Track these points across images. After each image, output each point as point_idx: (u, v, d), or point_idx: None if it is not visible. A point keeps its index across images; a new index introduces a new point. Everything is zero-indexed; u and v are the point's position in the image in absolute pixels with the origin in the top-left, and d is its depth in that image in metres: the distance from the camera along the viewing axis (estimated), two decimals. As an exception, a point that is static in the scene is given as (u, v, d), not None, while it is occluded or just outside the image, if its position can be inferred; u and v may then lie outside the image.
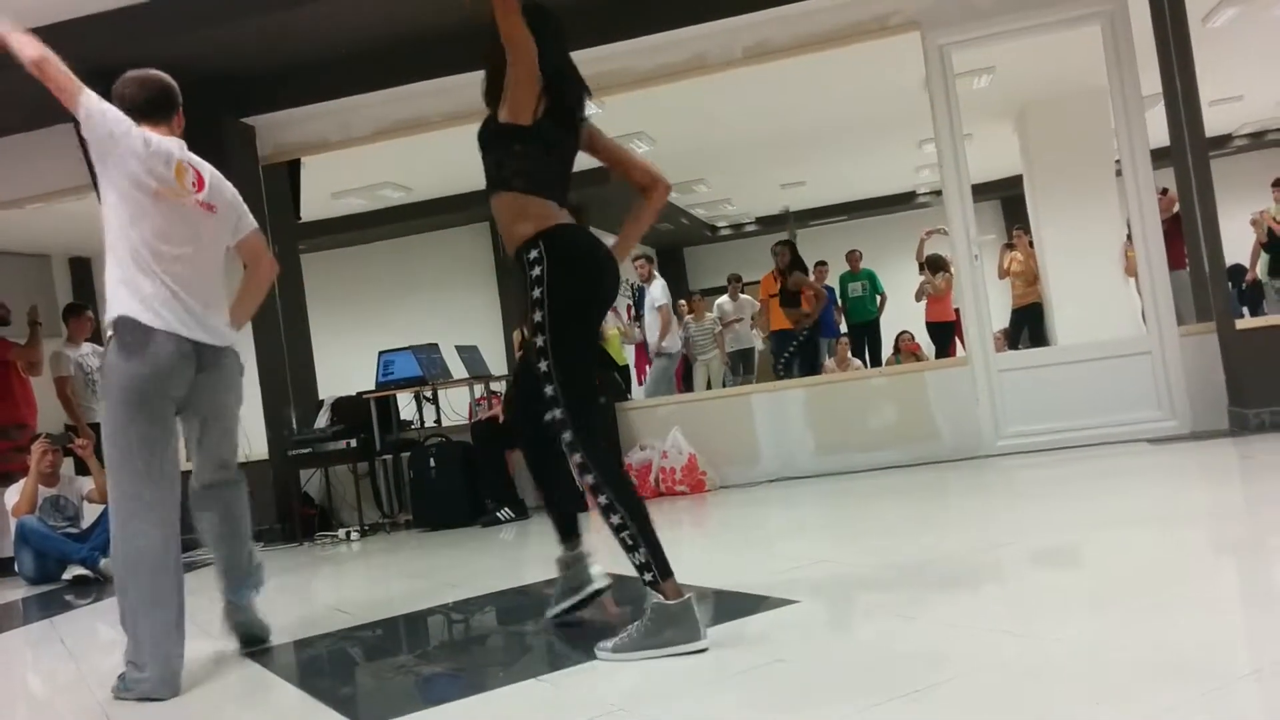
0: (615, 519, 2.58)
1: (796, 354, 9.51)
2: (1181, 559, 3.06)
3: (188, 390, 3.07)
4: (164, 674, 2.86)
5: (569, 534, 3.05)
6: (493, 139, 2.82)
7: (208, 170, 3.27)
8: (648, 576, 2.56)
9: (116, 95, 3.26)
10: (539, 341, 2.67)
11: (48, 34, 6.28)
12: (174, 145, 3.19)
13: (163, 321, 2.99)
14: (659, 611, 2.53)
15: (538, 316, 2.67)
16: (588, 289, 2.74)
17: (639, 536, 2.57)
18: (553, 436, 2.68)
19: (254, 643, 3.36)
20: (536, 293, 2.67)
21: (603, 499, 2.59)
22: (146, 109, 3.22)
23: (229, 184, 3.36)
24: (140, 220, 3.05)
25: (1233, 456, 5.02)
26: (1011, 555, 3.42)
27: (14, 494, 6.15)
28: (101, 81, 6.83)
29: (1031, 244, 9.69)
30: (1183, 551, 3.17)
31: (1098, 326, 7.83)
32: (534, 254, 2.69)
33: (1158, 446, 5.50)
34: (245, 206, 3.41)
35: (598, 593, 3.02)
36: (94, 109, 3.06)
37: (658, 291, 9.50)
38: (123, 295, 3.01)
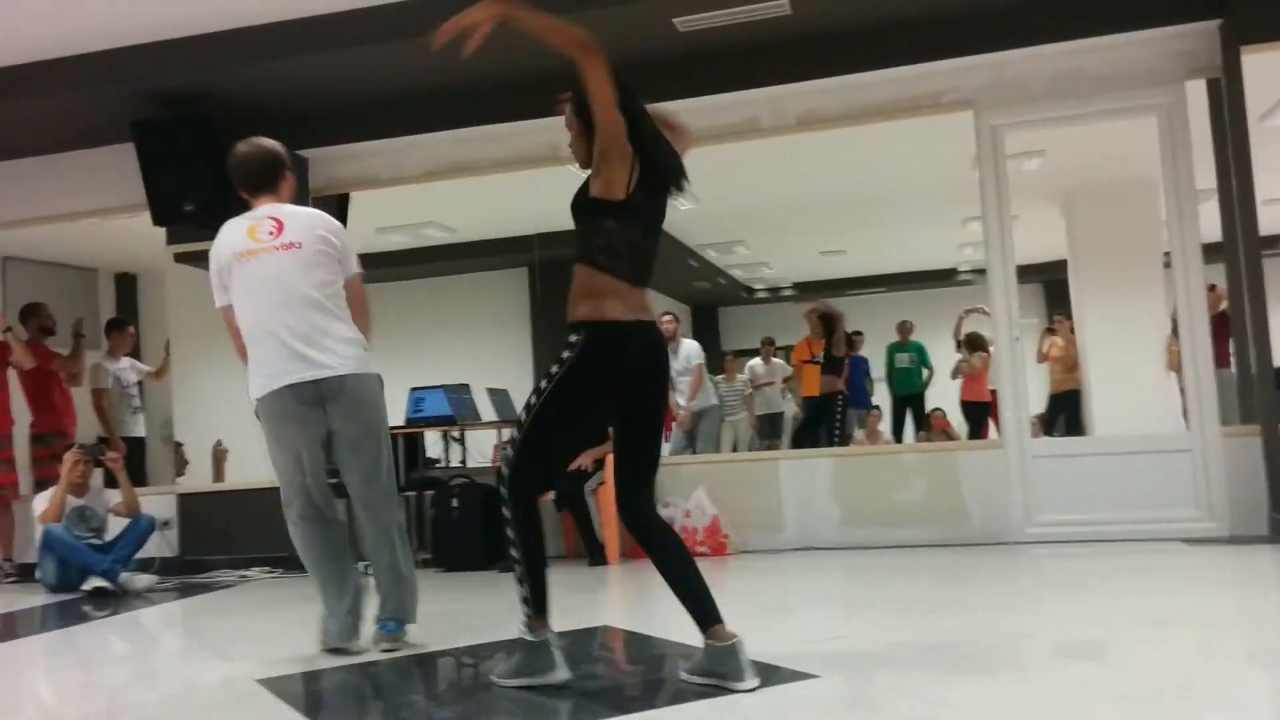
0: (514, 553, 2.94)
1: (842, 417, 9.34)
2: (1213, 664, 2.97)
3: (320, 426, 3.51)
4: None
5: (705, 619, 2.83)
6: (585, 210, 2.86)
7: (287, 213, 3.59)
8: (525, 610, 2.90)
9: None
10: (531, 399, 2.85)
11: (111, 59, 6.52)
12: (242, 222, 3.59)
13: (256, 390, 3.49)
14: (524, 645, 2.90)
15: (542, 383, 2.84)
16: (601, 392, 2.87)
17: (526, 576, 2.93)
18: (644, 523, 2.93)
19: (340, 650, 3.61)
20: (555, 368, 2.83)
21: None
22: (245, 186, 3.64)
23: (326, 224, 3.64)
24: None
25: (1272, 563, 4.89)
26: (1036, 647, 3.34)
27: (42, 501, 6.21)
28: (166, 106, 7.02)
29: (1072, 330, 9.61)
30: (1215, 657, 3.07)
31: (1136, 419, 7.73)
32: (574, 338, 2.81)
33: (1194, 547, 5.37)
34: (351, 250, 3.68)
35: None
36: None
37: (694, 351, 9.46)
38: None
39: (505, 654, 3.00)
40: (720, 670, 2.73)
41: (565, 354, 2.81)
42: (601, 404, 2.92)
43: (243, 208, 3.67)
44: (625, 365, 2.84)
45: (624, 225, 2.81)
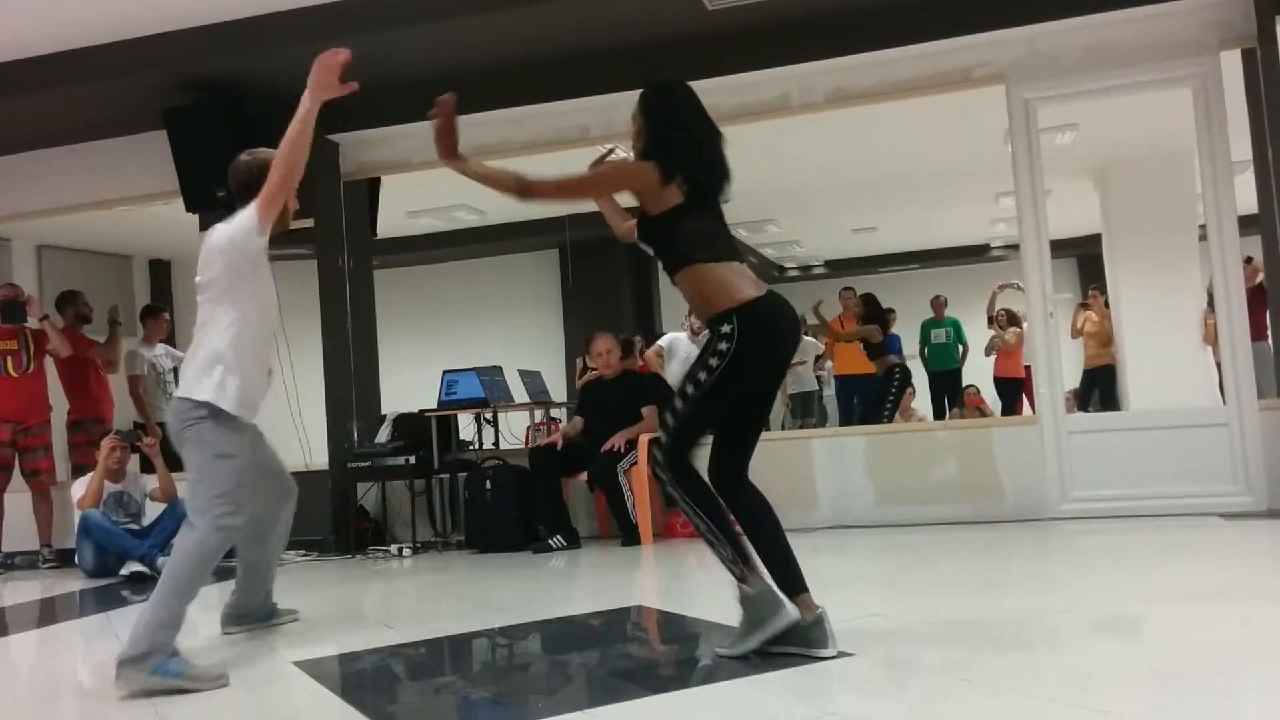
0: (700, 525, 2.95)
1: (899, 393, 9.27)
2: (1253, 639, 2.94)
3: None
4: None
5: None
6: (656, 231, 3.00)
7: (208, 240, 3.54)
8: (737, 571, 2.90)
9: None
10: (689, 388, 2.91)
11: (143, 47, 6.55)
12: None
13: (239, 406, 3.42)
14: (749, 600, 2.88)
15: (702, 375, 2.88)
16: (763, 374, 2.97)
17: (722, 540, 2.94)
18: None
19: None
20: (714, 361, 2.86)
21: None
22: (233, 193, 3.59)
23: (215, 231, 3.56)
24: None
25: (1311, 538, 4.82)
26: (1072, 623, 3.32)
27: (80, 487, 6.30)
28: (197, 93, 7.05)
29: (1107, 304, 9.49)
30: (1254, 632, 3.04)
31: (1172, 394, 7.63)
32: (726, 329, 2.85)
33: (1231, 522, 5.31)
34: (213, 243, 3.56)
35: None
36: None
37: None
38: None
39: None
40: (805, 639, 2.83)
41: (723, 345, 2.85)
42: (778, 369, 3.04)
43: None
44: (778, 338, 2.93)
45: (696, 219, 2.93)
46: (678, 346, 8.95)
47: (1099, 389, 9.43)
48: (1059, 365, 6.12)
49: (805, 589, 2.91)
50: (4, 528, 6.93)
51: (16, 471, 7.01)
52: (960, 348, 10.61)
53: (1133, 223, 9.15)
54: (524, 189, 2.93)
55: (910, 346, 10.81)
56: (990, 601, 3.74)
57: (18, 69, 6.52)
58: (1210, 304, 6.23)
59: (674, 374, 8.76)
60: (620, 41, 6.19)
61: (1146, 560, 4.55)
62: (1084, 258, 12.87)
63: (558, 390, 8.69)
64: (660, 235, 3.00)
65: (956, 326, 10.64)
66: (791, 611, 2.86)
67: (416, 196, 9.21)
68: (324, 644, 3.56)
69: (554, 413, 7.49)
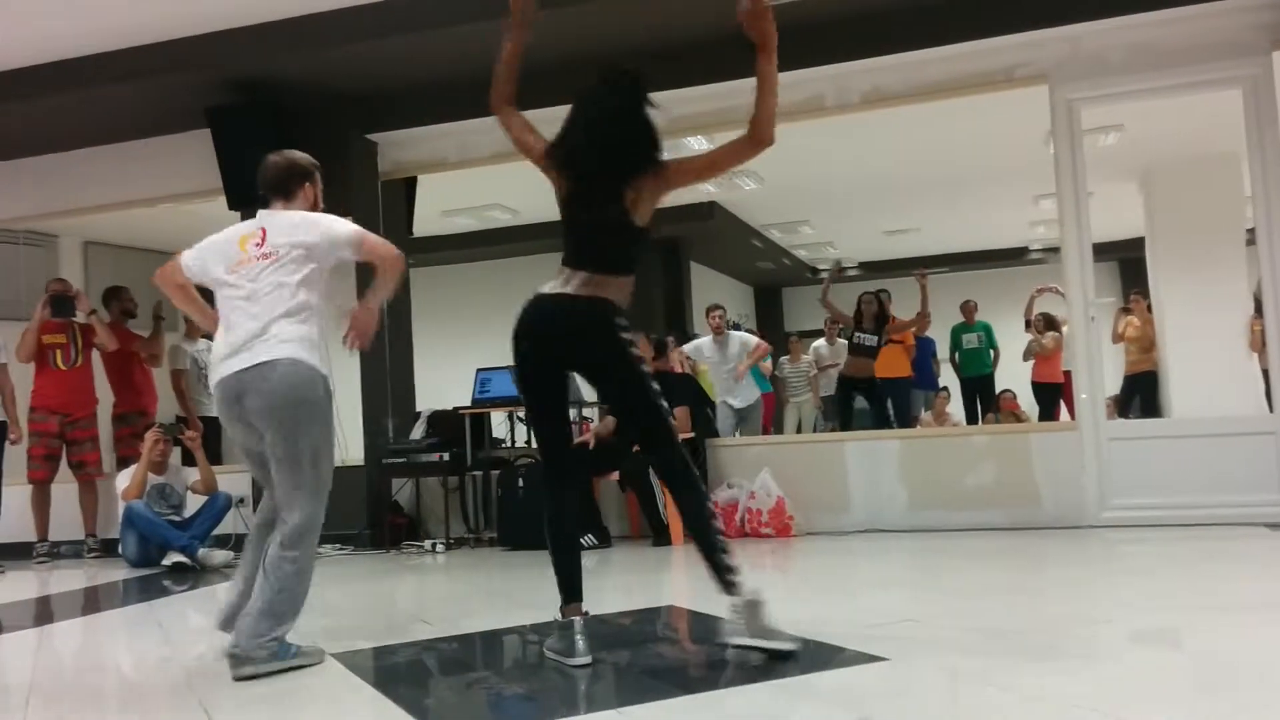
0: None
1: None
2: (1299, 654, 2.88)
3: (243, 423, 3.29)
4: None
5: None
6: (638, 237, 3.21)
7: (274, 222, 3.41)
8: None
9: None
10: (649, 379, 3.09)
11: (187, 47, 6.62)
12: (234, 229, 3.52)
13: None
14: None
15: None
16: (523, 356, 3.19)
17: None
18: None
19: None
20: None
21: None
22: (264, 191, 3.52)
23: (303, 221, 3.41)
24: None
25: (1358, 549, 4.72)
26: (1111, 633, 3.27)
27: (125, 479, 6.42)
28: (240, 93, 7.13)
29: (1149, 309, 9.34)
30: (1301, 646, 2.98)
31: (1216, 401, 7.49)
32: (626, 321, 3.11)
33: (1276, 532, 5.21)
34: (332, 236, 3.40)
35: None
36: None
37: (749, 338, 9.37)
38: None
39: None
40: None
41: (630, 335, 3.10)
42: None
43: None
44: (522, 328, 3.18)
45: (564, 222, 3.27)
46: (701, 350, 8.95)
47: (1140, 395, 9.27)
48: (1100, 370, 6.03)
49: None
50: (50, 517, 7.06)
51: (63, 462, 7.14)
52: (992, 352, 10.50)
53: (1177, 226, 8.98)
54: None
55: (943, 350, 10.72)
56: (1028, 609, 3.70)
57: (66, 69, 6.64)
58: (1257, 310, 6.12)
59: (713, 376, 8.76)
60: (654, 42, 6.17)
61: (1189, 570, 4.47)
62: (1126, 261, 12.66)
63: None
64: (640, 242, 3.29)
65: (988, 331, 10.51)
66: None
67: (452, 195, 9.26)
68: (360, 636, 3.59)
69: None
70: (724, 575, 2.93)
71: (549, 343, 3.10)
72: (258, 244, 3.35)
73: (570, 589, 3.13)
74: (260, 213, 3.48)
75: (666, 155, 3.15)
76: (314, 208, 3.52)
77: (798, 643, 2.84)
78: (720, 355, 8.94)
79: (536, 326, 3.10)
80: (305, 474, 3.17)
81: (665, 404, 3.09)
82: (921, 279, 8.95)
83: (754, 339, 9.46)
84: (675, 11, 5.93)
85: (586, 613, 3.07)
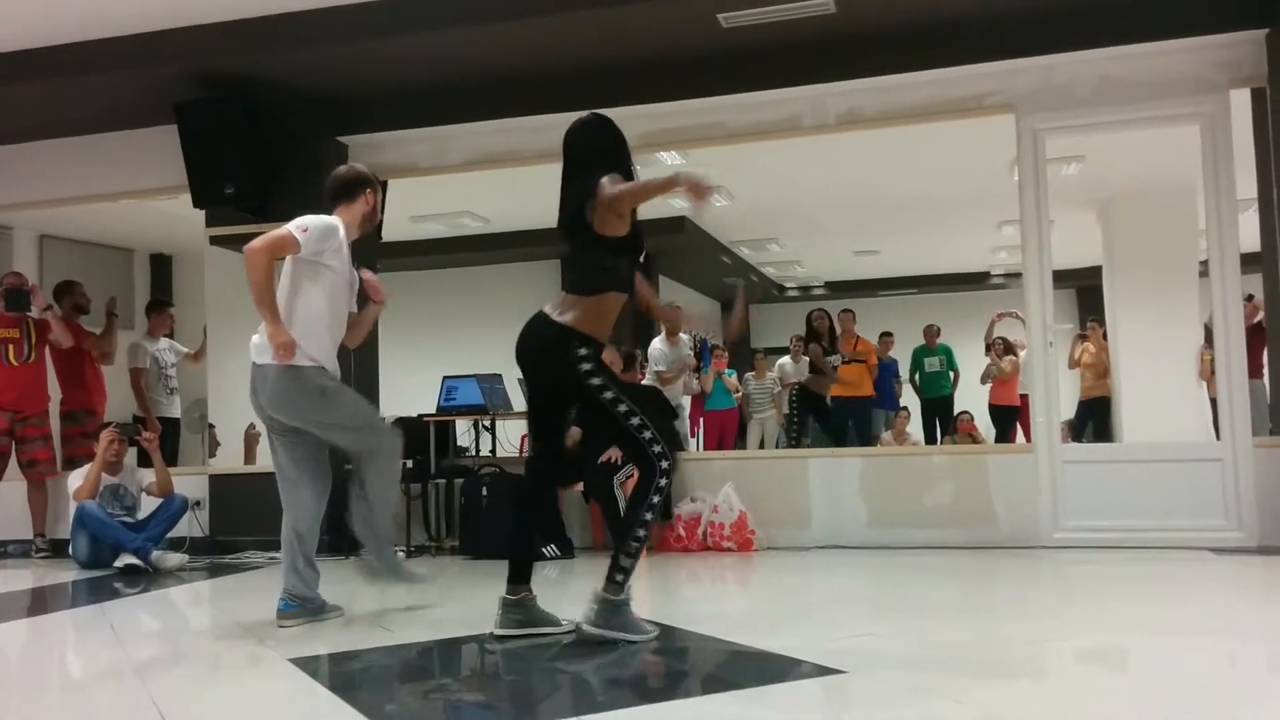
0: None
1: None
2: (1237, 675, 2.96)
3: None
4: None
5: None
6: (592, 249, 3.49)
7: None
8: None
9: None
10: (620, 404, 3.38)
11: (155, 40, 6.56)
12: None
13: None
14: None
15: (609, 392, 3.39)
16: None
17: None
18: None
19: None
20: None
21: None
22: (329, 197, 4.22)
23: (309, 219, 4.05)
24: None
25: (1301, 576, 4.84)
26: (1059, 651, 3.33)
27: (77, 478, 6.30)
28: (208, 88, 7.07)
29: (1105, 336, 9.53)
30: (1239, 667, 3.06)
31: (1166, 427, 7.66)
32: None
33: (1221, 557, 5.33)
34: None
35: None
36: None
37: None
38: None
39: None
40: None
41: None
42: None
43: (303, 201, 4.28)
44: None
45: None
46: (656, 352, 8.98)
47: (1093, 420, 9.46)
48: (1057, 395, 6.15)
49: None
50: (-3, 516, 6.93)
51: (12, 460, 7.00)
52: (952, 374, 10.67)
53: (1134, 256, 9.19)
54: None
55: (905, 371, 10.87)
56: (981, 626, 3.76)
57: (25, 58, 6.51)
58: (1207, 340, 6.27)
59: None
60: (633, 56, 6.23)
61: (1135, 592, 4.56)
62: (1083, 289, 12.91)
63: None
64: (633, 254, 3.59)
65: (948, 353, 10.69)
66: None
67: (422, 201, 9.24)
68: (318, 642, 3.57)
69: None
70: (615, 575, 3.36)
71: (521, 360, 3.55)
72: None
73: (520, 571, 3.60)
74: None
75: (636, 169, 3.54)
76: (372, 214, 4.31)
77: (655, 629, 3.38)
78: (674, 355, 9.00)
79: (517, 345, 3.54)
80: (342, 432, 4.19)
81: (637, 419, 3.34)
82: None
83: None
84: (651, 26, 5.98)
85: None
